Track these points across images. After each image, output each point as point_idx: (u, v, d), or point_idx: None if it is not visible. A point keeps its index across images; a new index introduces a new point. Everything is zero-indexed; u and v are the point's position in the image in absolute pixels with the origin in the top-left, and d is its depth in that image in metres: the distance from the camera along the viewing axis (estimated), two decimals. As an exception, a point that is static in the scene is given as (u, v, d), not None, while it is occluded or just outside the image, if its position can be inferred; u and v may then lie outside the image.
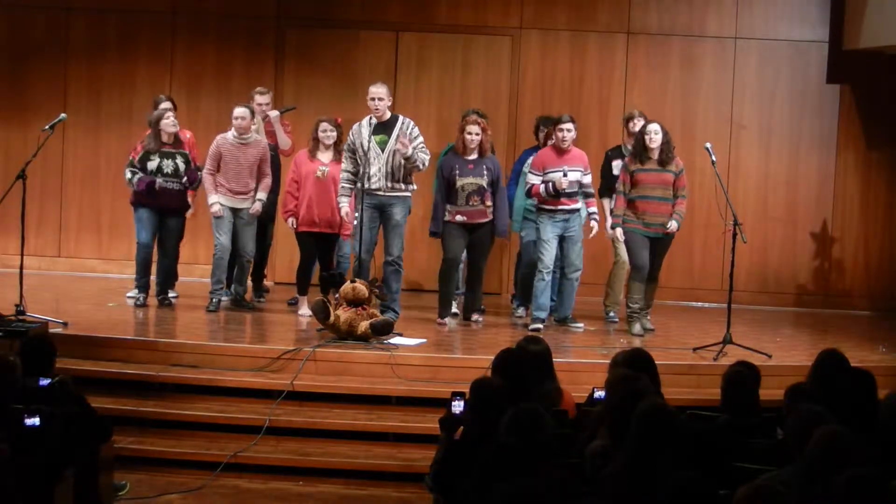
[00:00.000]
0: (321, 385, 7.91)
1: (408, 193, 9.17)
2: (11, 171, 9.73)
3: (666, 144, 9.20)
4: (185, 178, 9.64)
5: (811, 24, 11.71)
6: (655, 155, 9.19)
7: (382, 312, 8.86)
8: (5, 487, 4.61)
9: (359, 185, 9.03)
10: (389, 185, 9.05)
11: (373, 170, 9.01)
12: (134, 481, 7.06)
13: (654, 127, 9.22)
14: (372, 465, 7.40)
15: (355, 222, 9.12)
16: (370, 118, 9.10)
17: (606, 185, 9.88)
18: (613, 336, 9.42)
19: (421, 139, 9.12)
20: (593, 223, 9.38)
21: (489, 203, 9.33)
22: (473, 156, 9.31)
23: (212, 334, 8.91)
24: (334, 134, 9.46)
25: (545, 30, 11.75)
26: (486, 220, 9.37)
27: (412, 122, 9.16)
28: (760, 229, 11.61)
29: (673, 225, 9.22)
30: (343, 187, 9.15)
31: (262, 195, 9.68)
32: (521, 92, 11.74)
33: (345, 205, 9.14)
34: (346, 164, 9.16)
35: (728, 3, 11.74)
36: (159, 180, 9.55)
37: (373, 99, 9.05)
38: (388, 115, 9.14)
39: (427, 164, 9.12)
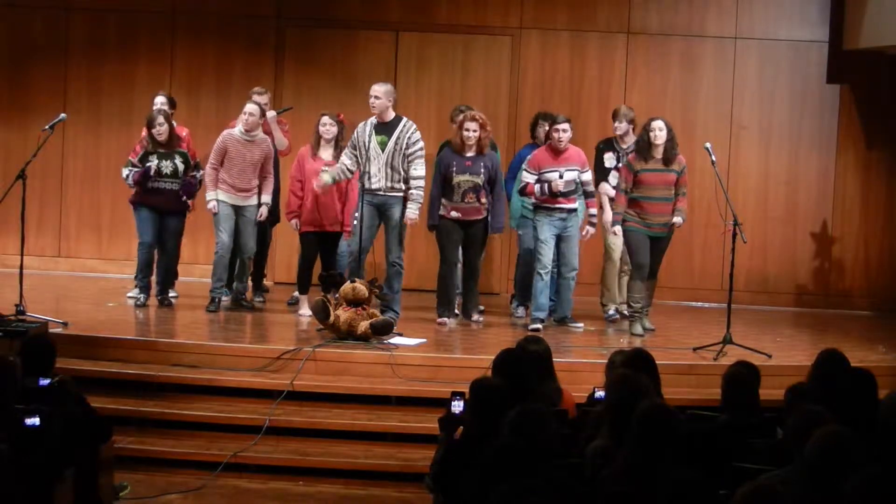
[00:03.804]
0: (321, 385, 7.91)
1: (404, 194, 9.16)
2: (11, 172, 9.72)
3: (670, 142, 9.16)
4: (179, 187, 9.63)
5: (811, 24, 11.71)
6: (660, 153, 9.15)
7: (382, 312, 8.86)
8: (5, 487, 4.60)
9: (368, 185, 9.02)
10: (389, 185, 9.05)
11: (373, 169, 9.02)
12: (134, 481, 7.06)
13: (658, 124, 9.17)
14: (372, 465, 7.40)
15: (355, 222, 9.12)
16: (373, 118, 9.11)
17: (600, 178, 9.87)
18: (613, 336, 9.42)
19: (420, 145, 9.12)
20: (589, 228, 9.38)
21: (484, 200, 9.33)
22: (472, 153, 9.30)
23: (212, 334, 8.91)
24: (334, 129, 9.45)
25: (545, 30, 11.75)
26: (481, 217, 9.37)
27: (413, 127, 9.15)
28: (760, 229, 11.61)
29: (678, 220, 9.18)
30: (337, 171, 9.14)
31: (266, 198, 9.68)
32: (521, 92, 11.74)
33: (323, 181, 9.09)
34: (344, 158, 9.17)
35: (728, 3, 11.73)
36: (153, 172, 9.53)
37: (369, 97, 9.06)
38: (390, 115, 9.13)
39: (422, 187, 9.12)
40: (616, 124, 9.93)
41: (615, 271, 10.16)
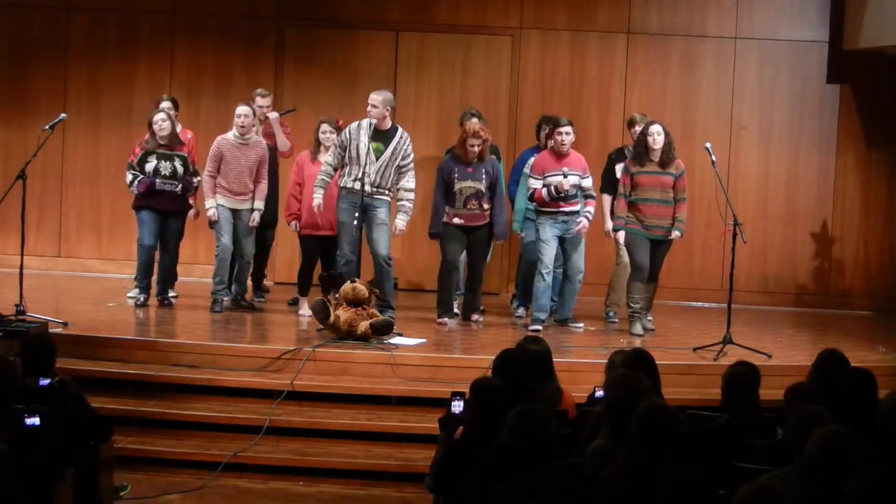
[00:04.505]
0: (321, 385, 7.90)
1: (390, 198, 9.15)
2: (11, 172, 9.72)
3: (667, 146, 9.19)
4: (179, 187, 9.63)
5: (811, 24, 11.71)
6: (657, 156, 9.18)
7: (382, 312, 8.86)
8: (5, 487, 4.60)
9: (355, 186, 8.99)
10: (376, 190, 9.02)
11: (363, 174, 8.97)
12: (134, 481, 7.05)
13: (656, 128, 9.20)
14: (372, 465, 7.40)
15: (355, 222, 9.10)
16: (370, 121, 9.08)
17: (609, 185, 9.84)
18: (614, 336, 9.42)
19: (412, 157, 9.12)
20: (581, 219, 9.35)
21: (487, 206, 9.36)
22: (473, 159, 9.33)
23: (212, 334, 8.90)
24: (334, 136, 9.44)
25: (545, 30, 11.75)
26: (484, 222, 9.40)
27: (408, 139, 9.13)
28: (760, 229, 11.62)
29: (676, 234, 9.24)
30: (320, 179, 9.13)
31: (259, 204, 9.65)
32: (521, 92, 11.74)
33: (318, 197, 9.10)
34: (329, 158, 9.15)
35: (728, 3, 11.74)
36: (157, 181, 9.56)
37: (368, 104, 9.05)
38: (388, 123, 9.12)
39: (413, 200, 9.12)
40: (637, 128, 9.75)
41: (624, 276, 10.09)
